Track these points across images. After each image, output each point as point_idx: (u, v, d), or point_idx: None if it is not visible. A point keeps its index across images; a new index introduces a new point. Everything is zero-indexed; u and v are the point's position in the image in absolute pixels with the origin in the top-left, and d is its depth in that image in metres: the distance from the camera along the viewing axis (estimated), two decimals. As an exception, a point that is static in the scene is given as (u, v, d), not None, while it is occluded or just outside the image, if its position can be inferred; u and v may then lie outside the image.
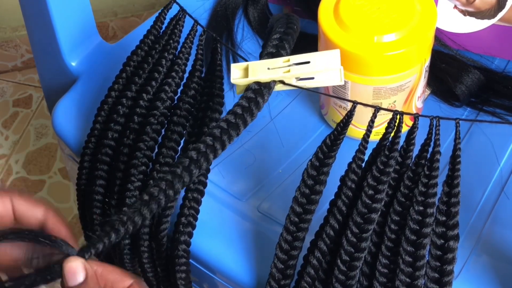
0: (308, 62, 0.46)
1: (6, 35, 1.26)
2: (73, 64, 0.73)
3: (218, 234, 0.58)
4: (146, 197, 0.43)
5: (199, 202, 0.56)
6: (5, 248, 0.44)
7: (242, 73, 0.47)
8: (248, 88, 0.47)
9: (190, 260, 0.56)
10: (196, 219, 0.56)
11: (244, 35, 0.79)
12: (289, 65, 0.46)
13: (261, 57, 0.49)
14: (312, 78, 0.46)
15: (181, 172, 0.44)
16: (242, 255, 0.56)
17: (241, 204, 0.61)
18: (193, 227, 0.55)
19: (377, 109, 0.46)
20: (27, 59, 1.31)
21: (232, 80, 0.47)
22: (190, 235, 0.55)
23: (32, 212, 0.47)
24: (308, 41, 0.73)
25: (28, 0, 0.70)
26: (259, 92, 0.46)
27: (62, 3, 0.68)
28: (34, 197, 0.48)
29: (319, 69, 0.46)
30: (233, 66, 0.48)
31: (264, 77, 0.46)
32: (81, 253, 0.44)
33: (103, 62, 0.74)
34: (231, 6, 0.80)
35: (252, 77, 0.47)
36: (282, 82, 0.47)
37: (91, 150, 0.59)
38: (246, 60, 0.49)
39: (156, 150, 0.57)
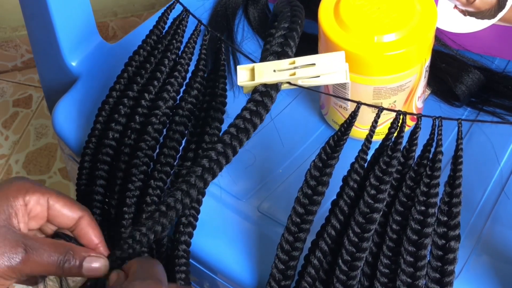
0: (314, 65, 0.46)
1: (6, 35, 1.26)
2: (73, 64, 0.73)
3: (219, 234, 0.58)
4: (163, 208, 0.45)
5: (200, 202, 0.56)
6: (40, 259, 0.45)
7: (249, 74, 0.48)
8: (255, 90, 0.47)
9: (191, 260, 0.56)
10: (196, 219, 0.56)
11: (244, 35, 0.79)
12: (294, 67, 0.46)
13: (265, 52, 0.49)
14: (318, 76, 0.47)
15: (195, 181, 0.45)
16: (242, 255, 0.56)
17: (242, 204, 0.61)
18: (194, 227, 0.55)
19: (380, 109, 0.46)
20: (27, 59, 1.31)
21: (239, 83, 0.47)
22: (191, 235, 0.55)
23: (66, 215, 0.49)
24: (309, 41, 0.73)
25: (28, 0, 0.70)
26: (266, 94, 0.46)
27: (62, 3, 0.68)
28: (72, 200, 0.50)
29: (325, 71, 0.46)
30: (239, 68, 0.48)
31: (270, 79, 0.47)
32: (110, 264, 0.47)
33: (103, 62, 0.74)
34: (231, 6, 0.80)
35: (259, 80, 0.47)
36: (288, 82, 0.47)
37: (92, 150, 0.59)
38: (251, 60, 0.50)
39: (158, 150, 0.57)
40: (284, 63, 0.47)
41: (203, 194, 0.56)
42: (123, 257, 0.47)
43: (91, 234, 0.49)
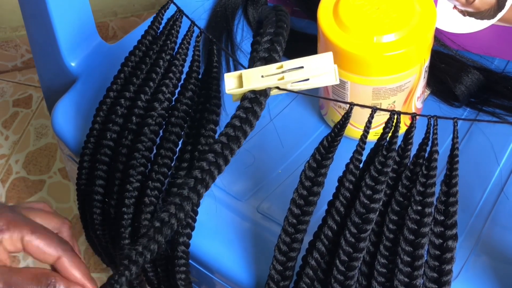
0: (302, 67, 0.46)
1: (6, 35, 1.27)
2: (73, 64, 0.73)
3: (218, 234, 0.58)
4: (157, 224, 0.43)
5: (198, 203, 0.56)
6: None
7: (236, 82, 0.47)
8: (244, 97, 0.46)
9: (190, 261, 0.56)
10: (195, 220, 0.56)
11: (244, 35, 0.79)
12: (282, 71, 0.46)
13: (252, 60, 0.49)
14: (308, 79, 0.46)
15: (188, 193, 0.43)
16: (241, 255, 0.56)
17: (241, 205, 0.61)
18: (192, 228, 0.55)
19: (374, 109, 0.46)
20: (27, 59, 1.31)
21: (227, 91, 0.47)
22: (189, 236, 0.55)
23: (45, 253, 0.47)
24: (308, 41, 0.73)
25: (28, 0, 0.70)
26: (255, 100, 0.46)
27: (62, 3, 0.68)
28: (52, 236, 0.47)
29: (313, 73, 0.45)
30: (226, 76, 0.47)
31: (259, 85, 0.46)
32: None
33: (102, 63, 0.74)
34: (230, 6, 0.80)
35: (247, 86, 0.46)
36: (277, 88, 0.47)
37: (91, 150, 0.59)
38: (241, 65, 0.49)
39: (154, 151, 0.57)
40: (272, 68, 0.46)
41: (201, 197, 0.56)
42: (119, 279, 0.44)
43: (75, 272, 0.47)
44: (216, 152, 0.44)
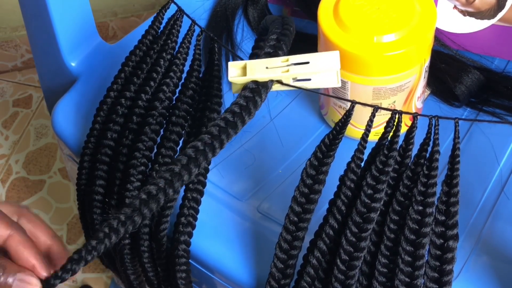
0: (307, 63, 0.46)
1: (6, 35, 1.27)
2: (73, 64, 0.73)
3: (218, 234, 0.58)
4: (144, 196, 0.42)
5: (198, 202, 0.56)
6: None
7: (240, 72, 0.47)
8: (245, 87, 0.46)
9: (190, 260, 0.56)
10: (195, 219, 0.56)
11: (244, 35, 0.79)
12: (287, 65, 0.46)
13: (253, 56, 0.49)
14: (309, 79, 0.46)
15: (180, 170, 0.43)
16: (241, 255, 0.56)
17: (241, 204, 0.61)
18: (193, 227, 0.55)
19: (375, 108, 0.46)
20: (27, 59, 1.31)
21: (230, 78, 0.47)
22: (190, 235, 0.55)
23: None
24: (308, 41, 0.73)
25: (28, 0, 0.70)
26: (256, 91, 0.46)
27: (62, 3, 0.68)
28: (3, 216, 0.44)
29: (318, 69, 0.46)
30: (230, 64, 0.47)
31: (262, 76, 0.46)
32: (84, 255, 0.42)
33: (102, 63, 0.74)
34: (230, 6, 0.80)
35: (250, 76, 0.46)
36: (279, 82, 0.47)
37: (91, 150, 0.59)
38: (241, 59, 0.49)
39: (155, 150, 0.57)
40: (277, 60, 0.46)
41: (202, 194, 0.56)
42: (98, 246, 0.42)
43: (26, 253, 0.43)
44: (213, 135, 0.44)
